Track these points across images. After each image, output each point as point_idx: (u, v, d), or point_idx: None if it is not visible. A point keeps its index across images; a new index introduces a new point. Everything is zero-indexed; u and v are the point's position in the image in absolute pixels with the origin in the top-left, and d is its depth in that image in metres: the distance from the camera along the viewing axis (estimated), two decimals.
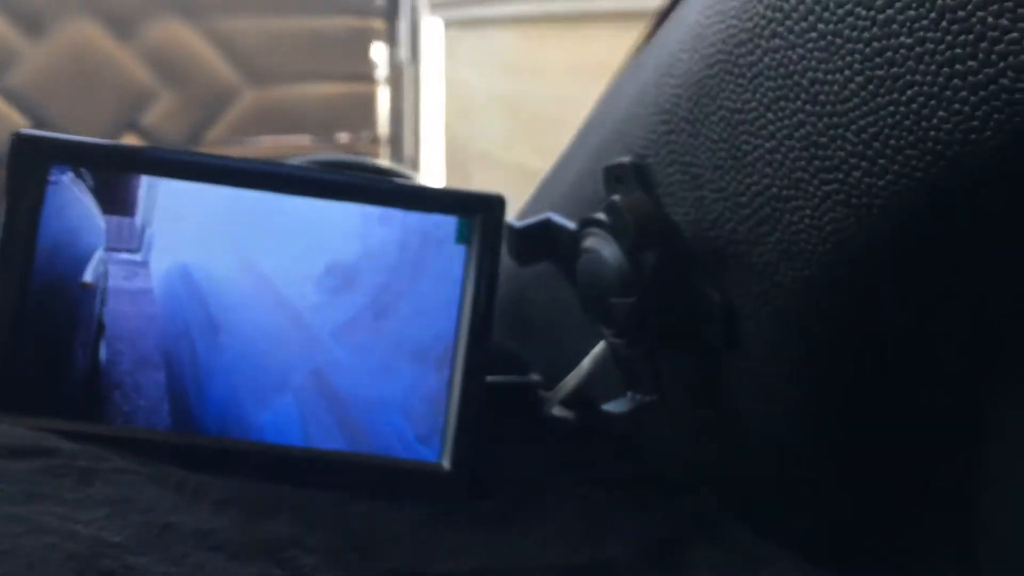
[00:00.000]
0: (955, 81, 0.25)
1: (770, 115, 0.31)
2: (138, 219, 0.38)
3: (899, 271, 0.30)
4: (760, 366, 0.36)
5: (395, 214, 0.39)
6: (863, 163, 0.29)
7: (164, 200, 0.38)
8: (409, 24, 2.43)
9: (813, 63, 0.29)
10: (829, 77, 0.29)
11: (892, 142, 0.27)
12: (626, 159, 0.39)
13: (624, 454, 0.44)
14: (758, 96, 0.32)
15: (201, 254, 0.38)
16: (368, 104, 2.41)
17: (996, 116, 0.24)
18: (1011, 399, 0.35)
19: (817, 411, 0.36)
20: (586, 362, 0.43)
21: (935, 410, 0.36)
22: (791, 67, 0.30)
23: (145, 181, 0.38)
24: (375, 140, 2.39)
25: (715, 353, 0.38)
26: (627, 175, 0.39)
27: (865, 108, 0.28)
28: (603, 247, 0.38)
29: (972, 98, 0.25)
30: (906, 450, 0.37)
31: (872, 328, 0.33)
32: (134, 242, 0.38)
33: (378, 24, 2.44)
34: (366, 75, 2.41)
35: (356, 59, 2.42)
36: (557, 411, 0.47)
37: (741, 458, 0.40)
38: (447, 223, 0.39)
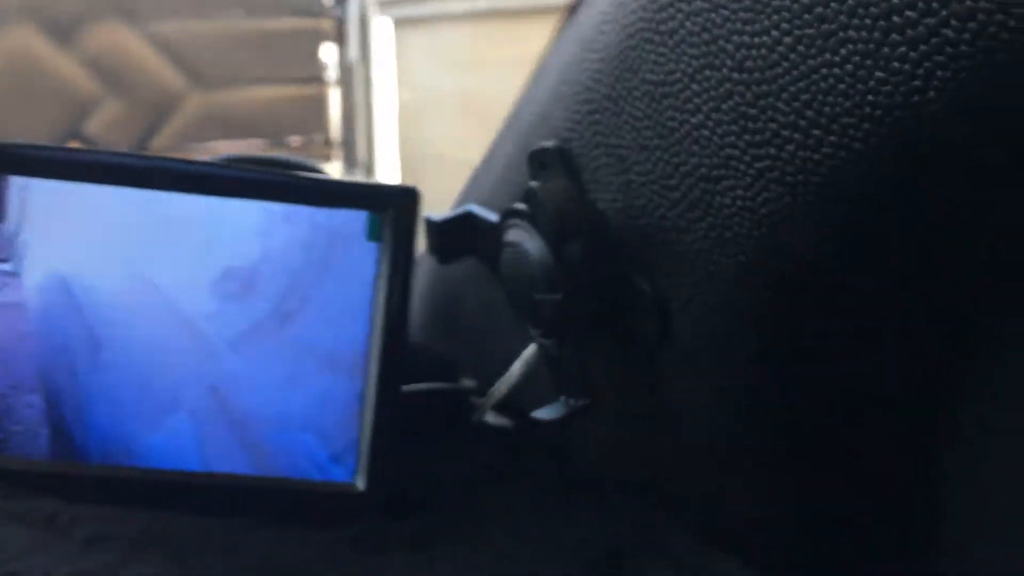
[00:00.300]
0: (893, 36, 0.22)
1: (695, 86, 0.28)
2: (8, 225, 0.34)
3: (842, 254, 0.27)
4: (697, 361, 0.33)
5: (299, 211, 0.35)
6: (796, 135, 0.25)
7: (38, 202, 0.34)
8: (358, 24, 2.38)
9: (739, 25, 0.26)
10: (756, 40, 0.26)
11: (827, 110, 0.24)
12: (550, 143, 0.36)
13: (559, 462, 0.41)
14: (682, 66, 0.29)
15: (80, 262, 0.34)
16: (319, 106, 2.37)
17: (939, 74, 0.22)
18: (976, 388, 0.32)
19: (758, 408, 0.33)
20: (517, 365, 0.40)
21: (890, 402, 0.33)
22: (715, 31, 0.27)
23: (16, 182, 0.34)
24: (327, 143, 2.35)
25: (649, 350, 0.35)
26: (551, 161, 0.36)
27: (796, 72, 0.25)
28: (526, 240, 0.35)
29: (912, 54, 0.22)
30: (858, 447, 0.34)
31: (815, 318, 0.30)
32: (4, 251, 0.34)
33: (326, 24, 2.40)
34: (316, 77, 2.36)
35: (305, 61, 2.37)
36: (490, 418, 0.44)
37: (682, 461, 0.36)
38: (356, 219, 0.36)
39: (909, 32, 0.22)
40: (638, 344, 0.35)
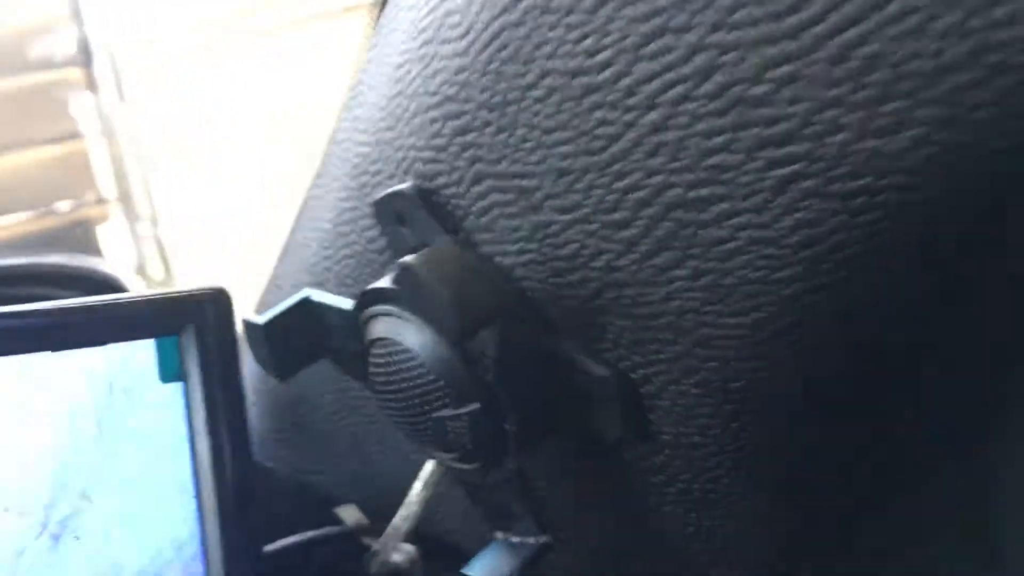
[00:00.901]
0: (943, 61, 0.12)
1: (643, 66, 0.18)
2: None
3: (898, 290, 0.18)
4: (687, 463, 0.23)
5: (43, 362, 0.23)
6: (853, 115, 0.15)
7: None
8: (110, 66, 2.16)
9: None
10: None
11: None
12: (404, 186, 0.25)
13: None
14: (612, 38, 0.18)
15: None
16: (84, 163, 2.14)
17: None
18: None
19: (783, 522, 0.23)
20: (415, 491, 0.29)
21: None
22: None
23: None
24: (101, 201, 2.13)
25: (617, 451, 0.24)
26: (410, 210, 0.25)
27: None
28: (404, 333, 0.23)
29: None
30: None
31: (861, 388, 0.20)
32: None
33: (74, 74, 2.17)
34: (74, 132, 2.13)
35: (57, 116, 2.14)
36: (396, 557, 0.32)
37: None
38: (139, 354, 0.23)
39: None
40: (601, 449, 0.24)
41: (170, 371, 0.23)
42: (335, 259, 0.31)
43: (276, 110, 1.79)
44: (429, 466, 0.28)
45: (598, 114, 0.19)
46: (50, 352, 0.22)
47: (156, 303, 0.23)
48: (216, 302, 0.24)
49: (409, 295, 0.22)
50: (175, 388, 0.24)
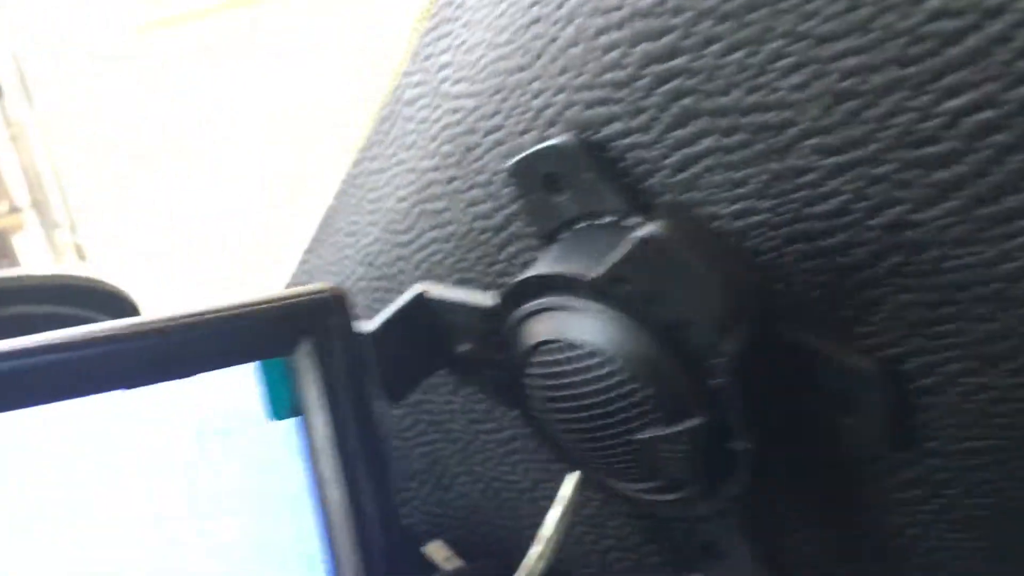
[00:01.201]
0: None
1: None
2: None
3: None
4: (963, 471, 0.18)
5: (110, 406, 0.16)
6: None
7: None
8: (15, 69, 2.04)
9: None
10: None
11: None
12: (562, 139, 0.19)
13: None
14: None
15: None
16: None
17: None
18: None
19: None
20: (554, 516, 0.23)
21: None
22: None
23: None
24: (15, 210, 2.00)
25: (860, 463, 0.19)
26: (573, 170, 0.19)
27: None
28: (592, 331, 0.18)
29: None
30: None
31: None
32: None
33: None
34: None
35: None
36: None
37: None
38: (238, 385, 0.17)
39: None
40: (854, 465, 0.19)
41: (282, 404, 0.17)
42: (416, 246, 0.25)
43: (202, 113, 1.72)
44: (569, 485, 0.23)
45: (931, 3, 0.13)
46: (121, 391, 0.16)
47: (256, 315, 0.17)
48: (338, 307, 0.17)
49: (634, 281, 0.16)
50: (289, 426, 0.17)
